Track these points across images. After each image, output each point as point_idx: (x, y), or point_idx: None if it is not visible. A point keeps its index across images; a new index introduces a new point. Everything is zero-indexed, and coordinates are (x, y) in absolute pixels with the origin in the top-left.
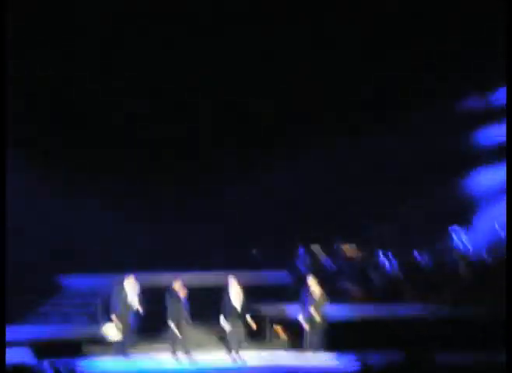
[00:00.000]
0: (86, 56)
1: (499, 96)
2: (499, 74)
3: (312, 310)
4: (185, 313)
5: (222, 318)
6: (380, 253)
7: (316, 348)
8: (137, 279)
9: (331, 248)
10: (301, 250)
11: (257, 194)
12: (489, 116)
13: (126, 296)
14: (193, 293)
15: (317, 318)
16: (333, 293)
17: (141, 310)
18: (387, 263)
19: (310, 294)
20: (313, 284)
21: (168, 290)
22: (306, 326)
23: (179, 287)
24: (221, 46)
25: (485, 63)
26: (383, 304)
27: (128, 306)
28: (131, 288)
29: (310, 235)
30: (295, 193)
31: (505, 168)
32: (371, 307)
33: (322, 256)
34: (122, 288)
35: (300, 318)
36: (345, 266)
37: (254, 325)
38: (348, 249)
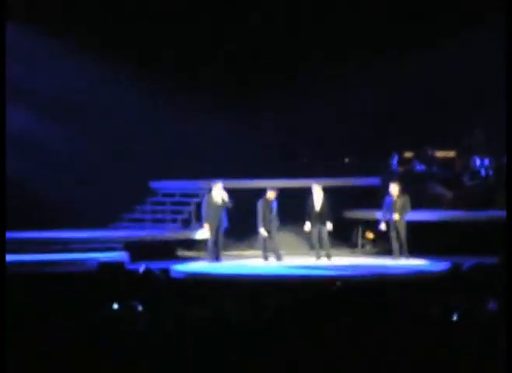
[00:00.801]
0: None
1: None
2: None
3: (395, 216)
4: (276, 218)
5: (307, 223)
6: (477, 160)
7: (406, 253)
8: (225, 185)
9: (425, 154)
10: (395, 157)
11: (353, 103)
12: None
13: (214, 202)
14: (285, 198)
15: (400, 225)
16: (425, 198)
17: (226, 219)
18: (482, 170)
19: (393, 201)
20: (394, 190)
21: (260, 196)
22: (391, 233)
23: (271, 193)
24: None
25: None
26: (475, 210)
27: (216, 212)
28: (218, 194)
29: (405, 142)
30: (389, 101)
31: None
32: (463, 212)
33: (416, 162)
34: (210, 195)
35: (382, 225)
36: (438, 171)
37: (331, 228)
38: (443, 155)
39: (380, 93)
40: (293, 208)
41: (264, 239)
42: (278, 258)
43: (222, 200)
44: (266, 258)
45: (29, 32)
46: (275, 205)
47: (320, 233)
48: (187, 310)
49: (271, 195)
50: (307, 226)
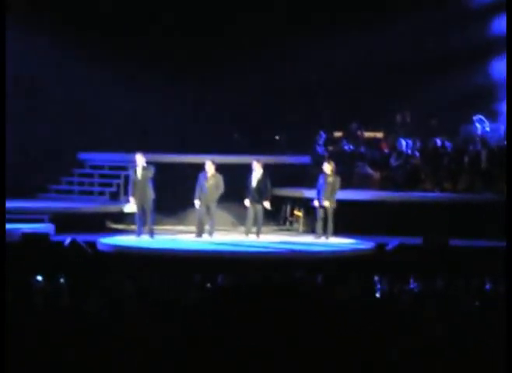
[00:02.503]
0: None
1: None
2: None
3: (326, 195)
4: (213, 193)
5: (245, 199)
6: (402, 140)
7: (329, 233)
8: (161, 159)
9: (354, 134)
10: (323, 136)
11: (283, 79)
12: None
13: (136, 175)
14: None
15: (330, 203)
16: (352, 178)
17: (152, 193)
18: (408, 150)
19: (325, 180)
20: (327, 169)
21: (200, 170)
22: (319, 211)
23: (209, 167)
24: None
25: None
26: (401, 190)
27: (140, 185)
28: (141, 167)
29: (333, 122)
30: (320, 79)
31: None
32: (389, 192)
33: (344, 141)
34: (134, 168)
35: (315, 203)
36: (366, 151)
37: (268, 206)
38: (371, 136)
39: (312, 69)
40: (227, 184)
41: (200, 213)
42: (211, 233)
43: (143, 172)
44: (200, 233)
45: None
46: (215, 179)
47: (255, 210)
48: (111, 284)
49: (207, 168)
50: (247, 202)
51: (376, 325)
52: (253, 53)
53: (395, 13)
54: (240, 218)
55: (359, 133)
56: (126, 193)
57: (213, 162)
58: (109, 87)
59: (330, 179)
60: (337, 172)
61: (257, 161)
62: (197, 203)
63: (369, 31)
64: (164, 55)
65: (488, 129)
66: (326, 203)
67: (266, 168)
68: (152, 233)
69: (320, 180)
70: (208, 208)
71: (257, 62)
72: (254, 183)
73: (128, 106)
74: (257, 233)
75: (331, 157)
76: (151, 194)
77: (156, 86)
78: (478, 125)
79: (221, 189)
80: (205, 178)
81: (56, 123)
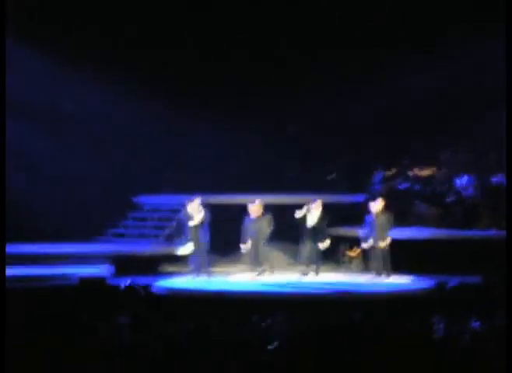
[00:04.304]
0: None
1: None
2: None
3: (377, 234)
4: (262, 234)
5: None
6: (457, 178)
7: (387, 272)
8: (204, 201)
9: (408, 172)
10: (377, 175)
11: (335, 118)
12: None
13: (189, 219)
14: (271, 214)
15: (382, 243)
16: (408, 216)
17: (206, 237)
18: (463, 188)
19: (375, 219)
20: (376, 208)
21: (245, 212)
22: (372, 251)
23: (256, 208)
24: None
25: None
26: (458, 228)
27: (193, 228)
28: (195, 210)
29: (387, 160)
30: (372, 117)
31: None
32: (446, 230)
33: (398, 180)
34: (186, 211)
35: (363, 244)
36: (421, 189)
37: (325, 246)
38: (425, 173)
39: (370, 106)
40: (284, 224)
41: (250, 254)
42: (262, 273)
43: (199, 217)
44: (256, 273)
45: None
46: (262, 221)
47: (313, 249)
48: (166, 326)
49: (251, 210)
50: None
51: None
52: (299, 91)
53: (446, 48)
54: (296, 258)
55: (414, 170)
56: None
57: (257, 204)
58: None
59: (378, 218)
60: (387, 209)
61: (318, 200)
62: (243, 246)
63: (424, 67)
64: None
65: None
66: (379, 244)
67: (324, 208)
68: (209, 274)
69: (367, 219)
70: (257, 249)
71: (306, 102)
72: (313, 222)
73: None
74: (317, 271)
75: (386, 195)
76: (205, 236)
77: (206, 123)
78: None
79: (269, 228)
80: (250, 220)
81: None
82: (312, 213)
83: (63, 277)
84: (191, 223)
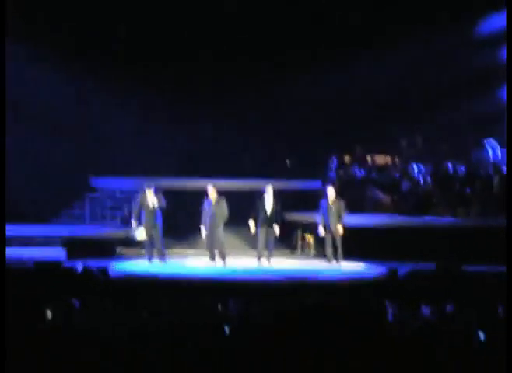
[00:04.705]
0: None
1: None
2: None
3: (331, 220)
4: (220, 218)
5: (252, 224)
6: (414, 165)
7: (340, 258)
8: (168, 184)
9: (363, 159)
10: (333, 160)
11: (292, 106)
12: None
13: (146, 205)
14: (227, 198)
15: (336, 229)
16: (362, 202)
17: (160, 220)
18: (418, 174)
19: (329, 205)
20: (331, 194)
21: (204, 195)
22: (327, 237)
23: (212, 192)
24: None
25: None
26: (413, 215)
27: (148, 214)
28: (150, 198)
29: (343, 146)
30: (328, 105)
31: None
32: (400, 217)
33: (353, 166)
34: (143, 196)
35: (320, 228)
36: (377, 176)
37: (277, 233)
38: (381, 160)
39: (326, 94)
40: (236, 209)
41: (207, 238)
42: (223, 258)
43: (153, 204)
44: (212, 257)
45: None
46: (219, 204)
47: (267, 235)
48: (123, 310)
49: (210, 193)
50: (252, 226)
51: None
52: (260, 80)
53: (403, 39)
54: (251, 242)
55: (368, 158)
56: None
57: (215, 187)
58: (119, 109)
59: (333, 204)
60: (341, 196)
61: (270, 185)
62: (202, 228)
63: (380, 56)
64: (166, 80)
65: (499, 153)
66: (333, 230)
67: (277, 193)
68: (163, 258)
69: (322, 205)
70: (213, 234)
71: (264, 88)
72: (267, 208)
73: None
74: (268, 258)
75: (342, 181)
76: (160, 221)
77: (163, 108)
78: (489, 149)
79: (226, 214)
80: (209, 203)
81: (69, 147)
82: (265, 198)
83: (17, 260)
84: (147, 207)
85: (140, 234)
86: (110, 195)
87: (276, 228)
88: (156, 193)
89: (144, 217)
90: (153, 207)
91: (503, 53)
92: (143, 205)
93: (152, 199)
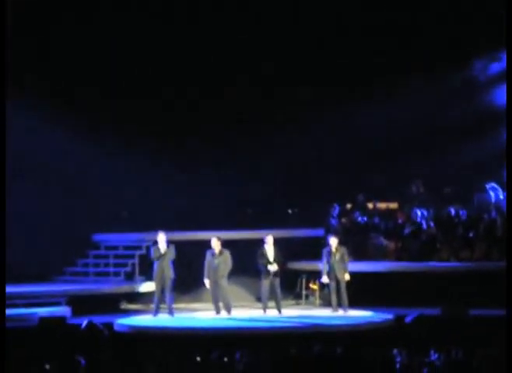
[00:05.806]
0: None
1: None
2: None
3: (335, 267)
4: (223, 269)
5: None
6: (417, 210)
7: (345, 305)
8: (172, 237)
9: (362, 205)
10: (336, 208)
11: (293, 155)
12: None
13: (157, 254)
14: (231, 249)
15: (342, 276)
16: (367, 249)
17: (172, 272)
18: (422, 220)
19: (332, 254)
20: (334, 242)
21: (208, 248)
22: (331, 284)
23: (216, 244)
24: None
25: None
26: (417, 260)
27: (159, 264)
28: (161, 246)
29: (345, 194)
30: (333, 151)
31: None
32: (405, 263)
33: (356, 213)
34: (156, 247)
35: (324, 276)
36: (380, 222)
37: (274, 269)
38: (384, 207)
39: (325, 143)
40: (240, 259)
41: (213, 290)
42: (228, 310)
43: (164, 252)
44: (217, 310)
45: None
46: (223, 256)
47: (272, 285)
48: (130, 365)
49: (214, 245)
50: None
51: None
52: (260, 131)
53: (402, 86)
54: (255, 293)
55: (370, 204)
56: (142, 273)
57: (219, 239)
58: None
59: (335, 252)
60: (343, 243)
61: (270, 235)
62: (206, 281)
63: (380, 105)
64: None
65: (502, 196)
66: (339, 277)
67: (278, 242)
68: (171, 312)
69: (325, 253)
70: (218, 285)
71: (265, 139)
72: (269, 257)
73: (136, 184)
74: (278, 308)
75: (344, 228)
76: (171, 274)
77: (164, 166)
78: (491, 193)
79: (229, 265)
80: (213, 255)
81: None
82: (267, 247)
83: (22, 317)
84: (161, 259)
85: (150, 285)
86: (112, 251)
87: (273, 266)
88: (168, 244)
89: (157, 269)
90: (166, 259)
91: (500, 96)
92: (155, 257)
93: (164, 249)
